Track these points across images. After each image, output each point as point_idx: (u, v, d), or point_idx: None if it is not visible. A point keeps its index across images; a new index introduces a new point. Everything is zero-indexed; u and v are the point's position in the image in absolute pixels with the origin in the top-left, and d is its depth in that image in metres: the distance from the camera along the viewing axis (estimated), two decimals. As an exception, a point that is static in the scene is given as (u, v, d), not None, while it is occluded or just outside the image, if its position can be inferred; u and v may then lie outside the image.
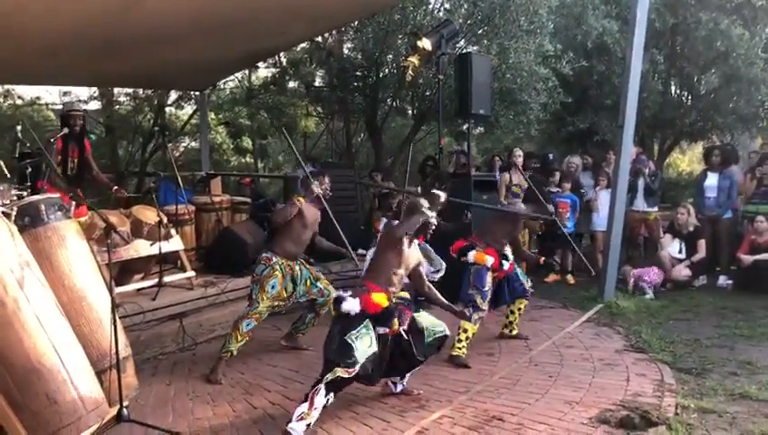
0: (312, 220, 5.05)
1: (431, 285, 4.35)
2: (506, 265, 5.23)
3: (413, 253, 4.10)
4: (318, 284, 5.14)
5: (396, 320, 3.80)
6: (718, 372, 4.53)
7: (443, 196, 4.28)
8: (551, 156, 8.70)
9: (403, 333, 3.90)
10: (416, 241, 4.18)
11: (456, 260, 5.21)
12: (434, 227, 4.15)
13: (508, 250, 5.34)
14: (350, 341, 3.56)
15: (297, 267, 5.03)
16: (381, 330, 3.75)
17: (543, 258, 5.99)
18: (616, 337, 5.51)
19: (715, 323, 5.90)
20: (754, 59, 9.73)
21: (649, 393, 4.10)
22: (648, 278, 7.21)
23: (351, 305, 3.68)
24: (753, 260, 7.18)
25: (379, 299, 3.74)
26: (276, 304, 4.89)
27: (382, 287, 3.82)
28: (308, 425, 3.47)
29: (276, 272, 4.82)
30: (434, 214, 4.05)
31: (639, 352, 5.01)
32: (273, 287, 4.80)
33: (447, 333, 4.18)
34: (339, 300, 3.73)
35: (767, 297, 6.75)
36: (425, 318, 4.12)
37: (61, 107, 13.28)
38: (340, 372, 3.50)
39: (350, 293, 3.76)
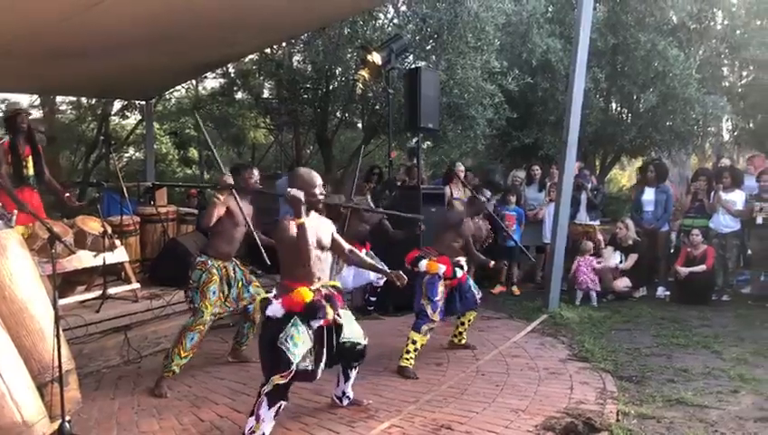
0: (243, 217, 4.78)
1: (354, 249, 4.25)
2: (459, 273, 5.26)
3: (318, 230, 3.80)
4: (250, 288, 5.02)
5: (328, 309, 3.66)
6: (657, 380, 4.70)
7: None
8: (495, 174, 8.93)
9: (338, 318, 3.80)
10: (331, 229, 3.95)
11: (409, 270, 5.19)
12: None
13: (463, 260, 5.41)
14: (281, 346, 3.44)
15: (231, 267, 4.92)
16: (316, 323, 3.61)
17: (493, 262, 6.00)
18: (560, 347, 5.65)
19: (654, 333, 6.11)
20: (689, 79, 10.12)
21: (592, 401, 4.23)
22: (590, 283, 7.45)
23: (274, 309, 3.57)
24: (689, 272, 7.45)
25: (302, 294, 3.57)
26: (218, 310, 4.77)
27: (302, 281, 3.65)
28: (261, 438, 3.43)
29: (214, 276, 4.71)
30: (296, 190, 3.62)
31: (583, 362, 5.15)
32: (213, 293, 4.69)
33: (364, 344, 4.03)
34: (264, 304, 3.65)
35: (702, 307, 7.06)
36: (348, 321, 3.95)
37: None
38: (277, 380, 3.44)
39: (273, 294, 3.68)
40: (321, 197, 3.79)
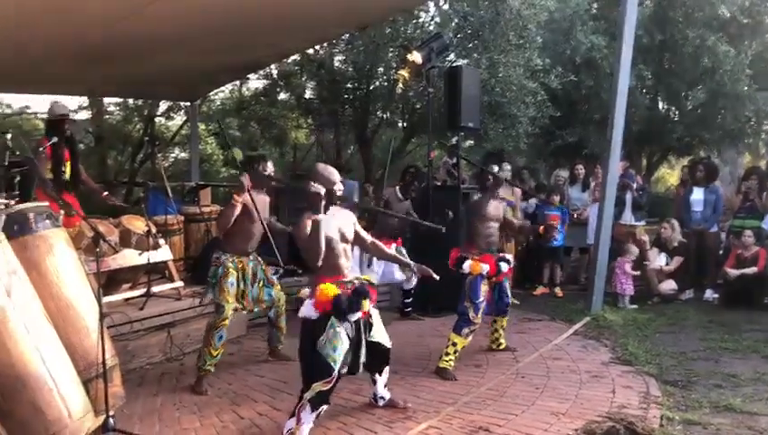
0: (260, 211, 4.78)
1: (376, 241, 4.23)
2: (505, 268, 5.19)
3: (341, 223, 3.78)
4: (271, 291, 5.02)
5: (364, 300, 3.63)
6: (703, 385, 4.57)
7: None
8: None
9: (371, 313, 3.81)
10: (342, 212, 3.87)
11: (452, 269, 5.09)
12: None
13: (509, 255, 5.33)
14: (322, 352, 3.45)
15: (251, 265, 4.91)
16: (353, 317, 3.60)
17: (543, 226, 5.81)
18: (603, 350, 5.54)
19: (701, 337, 5.95)
20: (740, 75, 9.87)
21: (635, 405, 4.13)
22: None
23: (308, 311, 3.57)
24: (739, 274, 7.24)
25: (325, 291, 3.53)
26: (239, 304, 4.80)
27: (333, 275, 3.64)
28: (299, 440, 3.45)
29: (230, 270, 4.72)
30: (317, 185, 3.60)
31: (626, 365, 5.04)
32: (231, 285, 4.70)
33: (388, 346, 4.02)
34: (299, 304, 3.65)
35: (752, 311, 6.83)
36: (376, 320, 3.96)
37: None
38: (320, 387, 3.45)
39: (308, 291, 3.67)
40: (340, 192, 3.76)
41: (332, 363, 3.46)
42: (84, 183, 6.07)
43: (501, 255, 5.33)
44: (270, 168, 4.93)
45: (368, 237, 4.14)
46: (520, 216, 8.10)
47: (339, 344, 3.49)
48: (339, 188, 3.75)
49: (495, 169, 5.25)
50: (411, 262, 4.19)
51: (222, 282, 4.68)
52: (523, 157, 11.63)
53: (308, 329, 3.57)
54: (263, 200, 4.93)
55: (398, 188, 6.75)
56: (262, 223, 4.75)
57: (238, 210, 4.63)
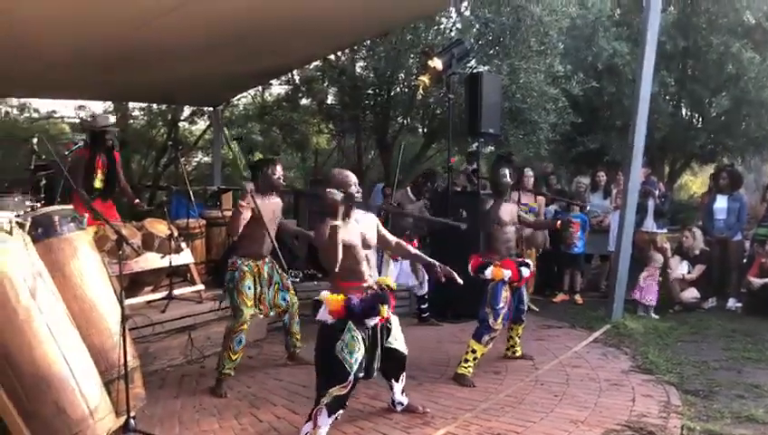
0: (269, 215, 4.82)
1: (401, 241, 4.19)
2: (526, 273, 5.16)
3: (363, 227, 3.75)
4: (286, 295, 5.06)
5: (382, 307, 3.63)
6: (725, 395, 4.51)
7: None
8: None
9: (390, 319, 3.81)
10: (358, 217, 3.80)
11: (473, 275, 5.06)
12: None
13: (529, 260, 5.33)
14: (339, 356, 3.46)
15: (266, 269, 4.94)
16: (371, 322, 3.61)
17: (559, 221, 5.77)
18: (623, 358, 5.50)
19: (724, 346, 5.87)
20: (765, 82, 9.75)
21: (655, 414, 4.10)
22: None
23: (323, 315, 3.57)
24: (763, 283, 7.14)
25: (336, 300, 3.53)
26: (257, 308, 4.84)
27: (353, 281, 3.63)
28: (316, 443, 3.47)
29: (246, 273, 4.75)
30: (334, 190, 3.55)
31: (646, 374, 5.00)
32: (249, 288, 4.74)
33: (405, 353, 4.01)
34: (316, 306, 3.63)
35: (776, 321, 6.73)
36: (395, 325, 3.96)
37: (77, 120, 13.50)
38: (336, 392, 3.47)
39: (327, 294, 3.62)
40: (358, 196, 3.70)
41: (349, 368, 3.47)
42: (123, 191, 6.19)
43: (521, 260, 5.32)
44: (279, 171, 4.91)
45: (392, 239, 4.12)
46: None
47: (355, 349, 3.50)
48: (355, 192, 3.69)
49: (506, 171, 5.20)
50: (436, 262, 4.09)
51: (239, 286, 4.72)
52: (550, 163, 11.56)
53: (325, 333, 3.59)
54: (274, 204, 4.96)
55: (409, 188, 6.77)
56: (266, 229, 4.76)
57: (247, 215, 4.64)
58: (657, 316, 7.09)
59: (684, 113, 11.51)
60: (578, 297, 8.13)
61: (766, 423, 3.95)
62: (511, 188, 5.29)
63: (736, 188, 7.99)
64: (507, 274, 4.97)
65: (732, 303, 7.63)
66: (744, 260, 8.00)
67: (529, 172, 8.29)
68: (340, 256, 3.47)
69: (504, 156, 5.75)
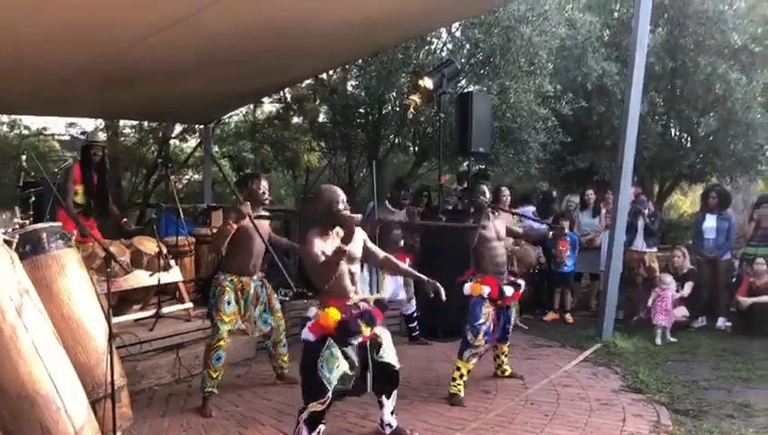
0: (259, 233, 4.74)
1: (389, 256, 4.14)
2: (509, 292, 5.08)
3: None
4: (269, 318, 4.98)
5: (363, 326, 3.64)
6: (715, 415, 4.51)
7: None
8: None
9: (378, 334, 3.80)
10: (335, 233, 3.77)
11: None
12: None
13: (521, 281, 5.32)
14: (318, 373, 3.48)
15: (254, 286, 4.88)
16: (355, 341, 3.62)
17: (551, 232, 5.69)
18: (613, 377, 5.49)
19: (713, 365, 5.88)
20: (752, 103, 9.83)
21: (645, 434, 4.09)
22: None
23: (307, 334, 3.60)
24: (752, 302, 7.16)
25: (331, 315, 3.56)
26: (237, 325, 4.76)
27: (338, 297, 3.66)
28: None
29: (227, 289, 4.70)
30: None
31: (636, 393, 4.99)
32: (228, 304, 4.67)
33: (397, 367, 3.97)
34: (304, 323, 3.65)
35: (765, 340, 6.72)
36: (386, 340, 3.93)
37: (67, 138, 13.46)
38: (314, 407, 3.49)
39: (314, 312, 3.66)
40: (345, 212, 3.70)
41: (327, 384, 3.48)
42: (109, 211, 6.17)
43: (512, 279, 5.28)
44: (264, 186, 4.88)
45: (379, 253, 4.09)
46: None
47: (334, 366, 3.51)
48: (344, 207, 3.70)
49: (484, 189, 5.18)
50: (425, 277, 4.08)
51: (218, 302, 4.67)
52: (546, 181, 11.58)
53: (308, 350, 3.61)
54: (262, 225, 4.86)
55: (386, 201, 6.71)
56: (254, 246, 4.74)
57: (233, 229, 4.58)
58: (674, 339, 7.00)
59: (673, 133, 11.57)
60: (568, 316, 8.13)
61: (756, 443, 3.95)
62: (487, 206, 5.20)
63: (725, 207, 8.05)
64: (486, 290, 4.93)
65: (721, 322, 7.64)
66: (734, 279, 8.04)
67: (505, 191, 8.24)
68: (344, 267, 3.59)
69: (479, 173, 5.74)
